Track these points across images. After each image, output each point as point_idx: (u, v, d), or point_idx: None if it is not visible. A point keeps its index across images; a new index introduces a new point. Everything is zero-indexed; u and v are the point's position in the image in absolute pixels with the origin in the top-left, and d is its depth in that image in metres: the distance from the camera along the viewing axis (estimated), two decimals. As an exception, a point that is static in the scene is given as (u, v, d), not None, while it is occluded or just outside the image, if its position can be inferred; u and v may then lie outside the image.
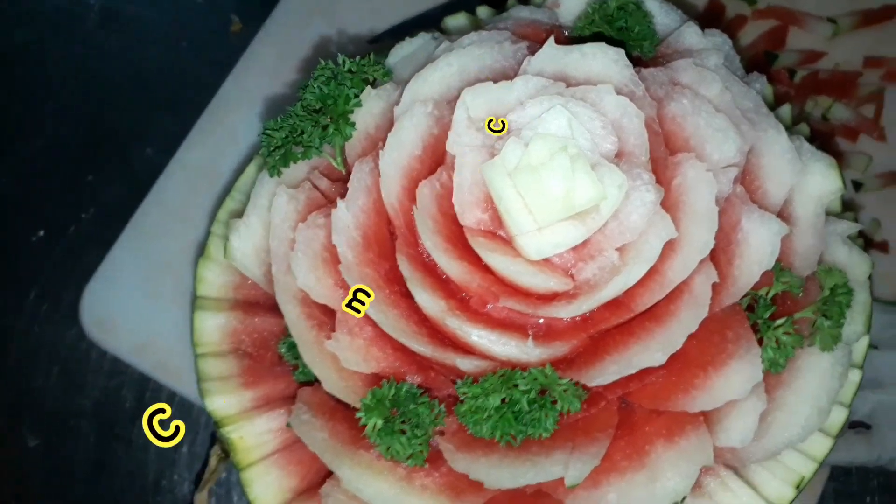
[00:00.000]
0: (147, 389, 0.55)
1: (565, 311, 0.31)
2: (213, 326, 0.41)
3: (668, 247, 0.32)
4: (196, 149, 0.56)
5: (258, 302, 0.42)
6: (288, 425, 0.36)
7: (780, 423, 0.35)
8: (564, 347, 0.32)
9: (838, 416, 0.39)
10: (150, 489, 0.53)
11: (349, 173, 0.36)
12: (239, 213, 0.40)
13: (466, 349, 0.32)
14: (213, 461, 0.43)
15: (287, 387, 0.41)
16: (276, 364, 0.41)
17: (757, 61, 0.58)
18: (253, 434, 0.39)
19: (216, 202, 0.55)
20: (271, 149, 0.36)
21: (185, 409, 0.53)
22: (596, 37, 0.39)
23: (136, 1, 0.61)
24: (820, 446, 0.38)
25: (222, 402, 0.40)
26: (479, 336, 0.31)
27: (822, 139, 0.56)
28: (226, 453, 0.41)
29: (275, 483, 0.39)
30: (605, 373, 0.31)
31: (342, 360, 0.33)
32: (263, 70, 0.56)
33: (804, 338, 0.35)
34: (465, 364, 0.31)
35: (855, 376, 0.39)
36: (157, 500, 0.53)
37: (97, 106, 0.60)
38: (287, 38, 0.56)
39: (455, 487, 0.33)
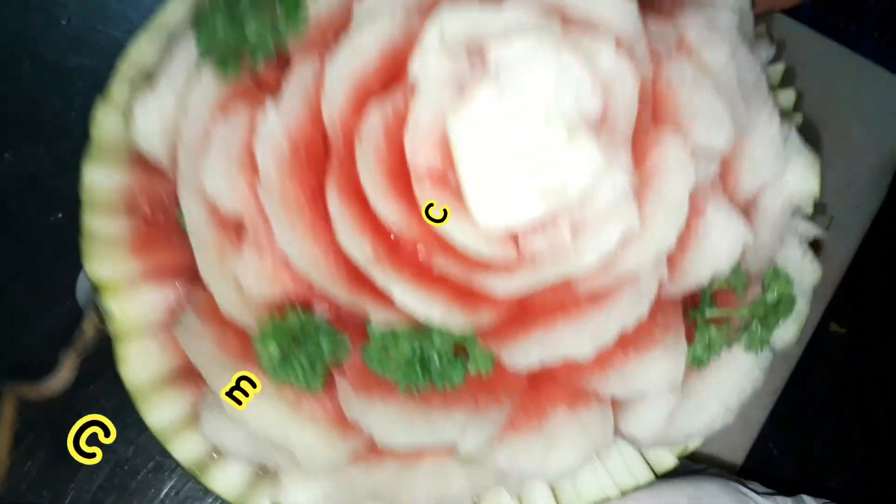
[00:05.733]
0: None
1: (501, 286, 0.28)
2: (107, 179, 0.36)
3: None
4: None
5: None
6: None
7: (687, 414, 0.34)
8: (490, 317, 0.29)
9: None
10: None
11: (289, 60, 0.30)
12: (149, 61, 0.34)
13: (385, 299, 0.29)
14: (87, 328, 0.39)
15: (182, 257, 0.36)
16: (172, 230, 0.37)
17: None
18: (136, 306, 0.36)
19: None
20: (210, 45, 0.29)
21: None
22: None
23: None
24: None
25: (106, 267, 0.36)
26: (402, 293, 0.28)
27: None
28: (103, 322, 0.37)
29: (152, 361, 0.36)
30: (527, 354, 0.29)
31: (245, 287, 0.29)
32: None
33: (733, 337, 0.34)
34: (379, 317, 0.28)
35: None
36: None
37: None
38: None
39: (345, 421, 0.32)
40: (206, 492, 0.48)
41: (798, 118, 0.38)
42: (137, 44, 0.36)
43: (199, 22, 0.30)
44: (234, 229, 0.30)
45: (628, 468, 0.37)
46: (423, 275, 0.29)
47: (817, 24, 0.66)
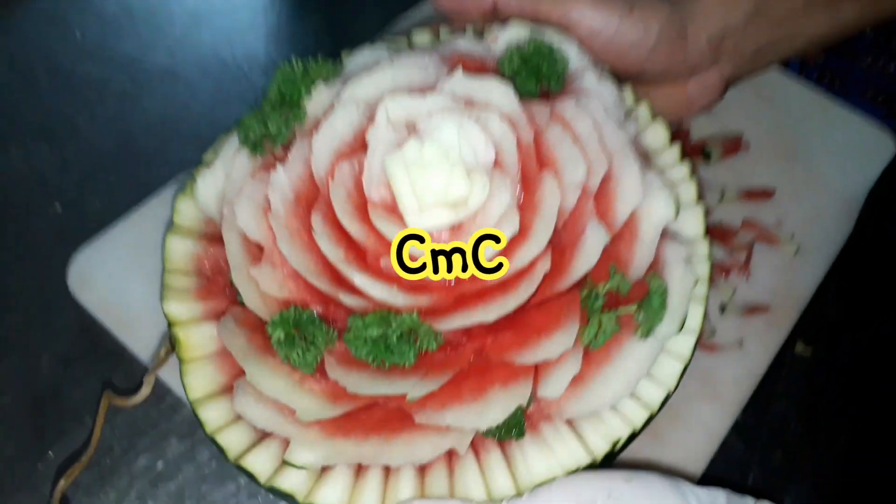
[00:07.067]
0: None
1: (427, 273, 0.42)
2: (182, 250, 0.52)
3: (521, 238, 0.43)
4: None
5: (219, 236, 0.53)
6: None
7: (597, 389, 0.45)
8: (427, 300, 0.42)
9: (657, 394, 0.48)
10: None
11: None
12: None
13: (354, 290, 0.42)
14: (162, 352, 0.53)
15: (230, 303, 0.51)
16: (226, 287, 0.52)
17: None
18: (196, 336, 0.50)
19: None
20: (246, 136, 0.46)
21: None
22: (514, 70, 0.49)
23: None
24: (637, 415, 0.48)
25: (178, 308, 0.50)
26: (359, 280, 0.41)
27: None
28: (173, 347, 0.51)
29: (207, 376, 0.49)
30: (450, 323, 0.42)
31: (261, 285, 0.43)
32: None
33: (623, 327, 0.45)
34: (348, 300, 0.42)
35: (678, 365, 0.49)
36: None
37: (135, 133, 0.68)
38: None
39: (334, 394, 0.44)
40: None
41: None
42: (206, 156, 0.53)
43: (240, 123, 0.47)
44: (256, 250, 0.45)
45: (571, 454, 0.47)
46: (377, 270, 0.42)
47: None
